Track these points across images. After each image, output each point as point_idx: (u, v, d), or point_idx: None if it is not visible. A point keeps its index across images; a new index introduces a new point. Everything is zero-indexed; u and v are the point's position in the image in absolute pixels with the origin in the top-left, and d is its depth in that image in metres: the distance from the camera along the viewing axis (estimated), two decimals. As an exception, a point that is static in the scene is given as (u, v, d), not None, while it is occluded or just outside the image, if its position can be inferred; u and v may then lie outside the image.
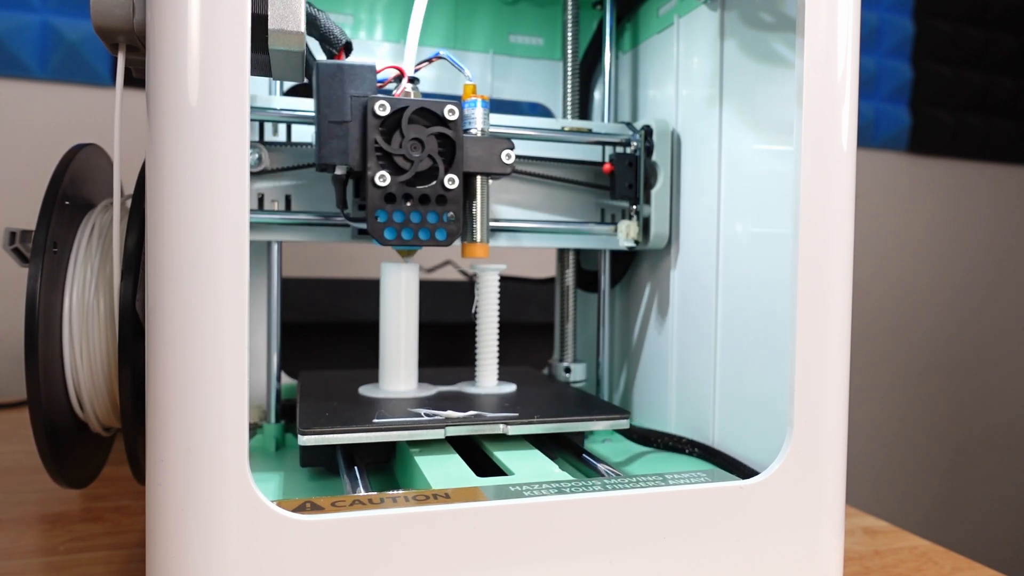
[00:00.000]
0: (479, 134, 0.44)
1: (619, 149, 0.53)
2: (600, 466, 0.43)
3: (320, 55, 0.43)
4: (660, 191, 0.51)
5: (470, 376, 0.52)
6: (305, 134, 0.48)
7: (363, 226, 0.44)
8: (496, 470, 0.41)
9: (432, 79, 0.60)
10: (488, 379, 0.51)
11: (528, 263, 0.86)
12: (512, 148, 0.44)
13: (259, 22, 0.35)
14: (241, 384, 0.30)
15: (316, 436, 0.39)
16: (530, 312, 0.80)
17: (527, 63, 0.63)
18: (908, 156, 1.38)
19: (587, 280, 0.61)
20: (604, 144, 0.54)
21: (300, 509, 0.31)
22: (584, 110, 0.61)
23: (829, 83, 0.36)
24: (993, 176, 1.44)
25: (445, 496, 0.34)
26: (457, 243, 0.45)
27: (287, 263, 0.89)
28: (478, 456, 0.43)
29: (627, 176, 0.52)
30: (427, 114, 0.41)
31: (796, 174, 0.37)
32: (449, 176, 0.42)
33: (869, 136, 1.33)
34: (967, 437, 1.46)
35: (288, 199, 0.48)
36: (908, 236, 1.39)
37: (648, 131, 0.52)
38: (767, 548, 0.37)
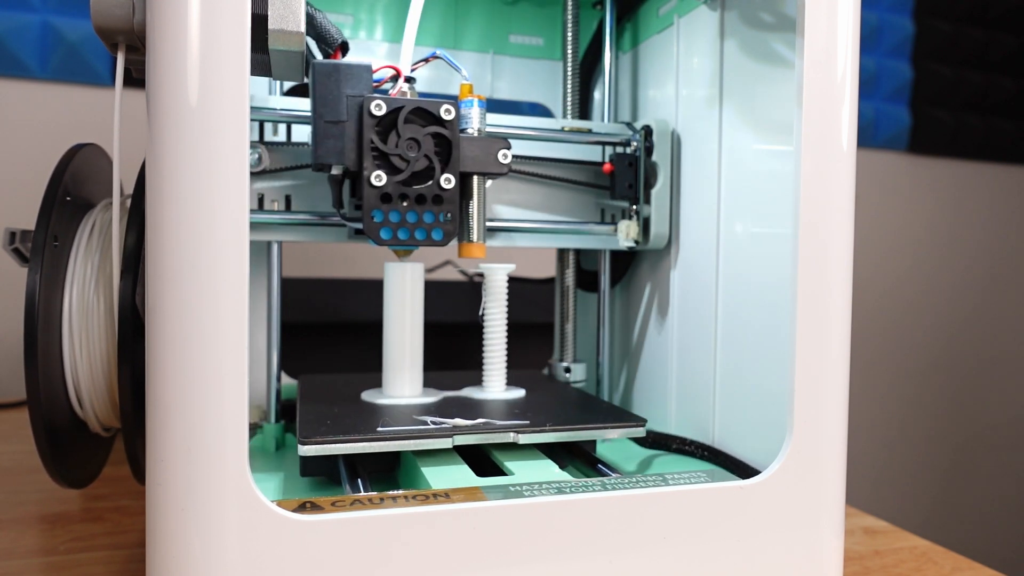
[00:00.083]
0: (476, 134, 0.44)
1: (619, 149, 0.53)
2: (614, 476, 0.41)
3: (320, 55, 0.43)
4: (660, 191, 0.51)
5: (476, 380, 0.51)
6: (305, 134, 0.48)
7: (359, 226, 0.44)
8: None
9: (429, 79, 0.60)
10: (496, 384, 0.50)
11: (528, 263, 0.86)
12: (509, 148, 0.44)
13: (259, 22, 0.35)
14: (241, 384, 0.30)
15: (317, 446, 0.37)
16: (530, 312, 0.80)
17: (527, 63, 0.63)
18: (908, 156, 1.38)
19: (587, 280, 0.61)
20: (604, 144, 0.54)
21: (300, 509, 0.31)
22: (584, 110, 0.61)
23: (829, 83, 0.36)
24: (993, 176, 1.44)
25: (445, 496, 0.34)
26: (457, 243, 0.45)
27: (287, 263, 0.89)
28: (486, 465, 0.42)
29: (627, 176, 0.52)
30: (423, 114, 0.41)
31: (796, 174, 0.37)
32: (445, 176, 0.42)
33: (869, 136, 1.33)
34: (967, 437, 1.45)
35: (288, 199, 0.48)
36: (908, 236, 1.39)
37: (648, 131, 0.52)
38: (767, 548, 0.37)
